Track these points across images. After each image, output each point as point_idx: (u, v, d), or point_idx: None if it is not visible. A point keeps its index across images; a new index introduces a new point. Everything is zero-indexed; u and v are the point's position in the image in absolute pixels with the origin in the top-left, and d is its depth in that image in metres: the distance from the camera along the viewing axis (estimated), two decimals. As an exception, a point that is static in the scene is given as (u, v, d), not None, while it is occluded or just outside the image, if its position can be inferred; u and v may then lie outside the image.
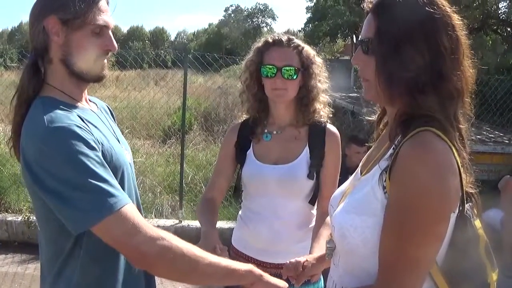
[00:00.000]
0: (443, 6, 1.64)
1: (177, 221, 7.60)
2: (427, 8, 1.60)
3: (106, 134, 1.99)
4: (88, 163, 1.73)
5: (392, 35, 1.61)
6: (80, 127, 1.79)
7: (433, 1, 1.62)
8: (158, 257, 1.77)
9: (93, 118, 2.00)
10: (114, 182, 1.79)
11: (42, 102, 1.89)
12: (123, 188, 1.93)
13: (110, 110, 2.32)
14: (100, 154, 1.81)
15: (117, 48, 2.03)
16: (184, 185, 8.17)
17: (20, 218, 7.46)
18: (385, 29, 1.64)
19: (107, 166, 1.81)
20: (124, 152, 2.07)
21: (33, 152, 1.77)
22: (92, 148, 1.77)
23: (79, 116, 1.87)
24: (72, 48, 1.92)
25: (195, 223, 7.35)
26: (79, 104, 2.01)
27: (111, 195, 1.73)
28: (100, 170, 1.75)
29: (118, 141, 2.09)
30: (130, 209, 1.76)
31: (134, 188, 2.15)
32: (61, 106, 1.87)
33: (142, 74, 17.81)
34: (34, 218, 7.20)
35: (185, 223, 7.53)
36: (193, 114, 14.19)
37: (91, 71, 1.98)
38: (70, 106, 1.92)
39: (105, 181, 1.74)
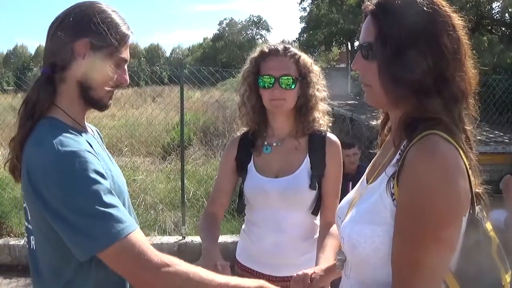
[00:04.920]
0: (443, 6, 1.61)
1: (180, 238, 7.55)
2: (426, 9, 1.57)
3: (107, 161, 2.00)
4: (98, 189, 1.73)
5: (393, 38, 1.58)
6: (90, 153, 1.80)
7: (432, 2, 1.59)
8: (165, 286, 1.77)
9: (96, 144, 2.01)
10: (122, 208, 1.79)
11: (49, 123, 1.89)
12: None
13: (99, 135, 2.32)
14: (107, 181, 1.81)
15: (128, 82, 2.07)
16: (186, 200, 8.12)
17: (22, 242, 7.34)
18: (386, 32, 1.60)
19: (114, 193, 1.80)
20: (123, 180, 2.09)
21: (41, 174, 1.75)
22: (101, 174, 1.77)
23: (87, 141, 1.89)
24: (93, 74, 1.93)
25: (199, 239, 7.21)
26: (82, 128, 2.02)
27: (119, 220, 1.73)
28: (108, 197, 1.75)
29: (116, 167, 2.10)
30: (137, 236, 1.76)
31: (133, 214, 2.13)
32: (68, 130, 1.87)
33: (139, 92, 17.84)
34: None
35: (188, 239, 7.48)
36: (192, 129, 14.19)
37: (102, 99, 2.01)
38: (75, 130, 1.93)
39: (113, 207, 1.74)
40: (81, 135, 1.92)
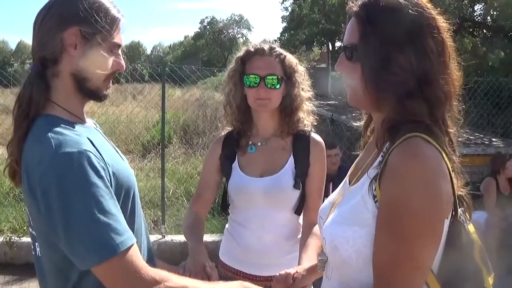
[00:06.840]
0: (428, 8, 1.61)
1: (160, 236, 7.50)
2: (411, 11, 1.57)
3: (113, 154, 1.91)
4: (97, 194, 1.64)
5: (377, 40, 1.58)
6: (91, 152, 1.70)
7: (417, 4, 1.59)
8: None
9: (99, 138, 1.92)
10: (121, 217, 1.70)
11: (46, 122, 1.79)
12: (134, 209, 1.89)
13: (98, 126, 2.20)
14: (108, 182, 1.72)
15: (124, 67, 1.97)
16: (165, 199, 8.08)
17: (1, 239, 7.15)
18: (370, 33, 1.60)
19: (114, 196, 1.72)
20: (131, 171, 2.00)
21: (38, 178, 1.66)
22: (101, 177, 1.68)
23: (88, 139, 1.78)
24: (87, 64, 1.84)
25: (179, 238, 7.29)
26: (83, 122, 1.94)
27: (117, 233, 1.64)
28: (108, 203, 1.66)
29: (122, 159, 2.01)
30: (132, 252, 1.67)
31: (140, 208, 2.08)
32: (67, 127, 1.78)
33: (119, 89, 17.73)
34: (16, 238, 7.06)
35: (168, 238, 7.43)
36: (172, 127, 14.13)
37: (99, 89, 1.92)
38: (76, 125, 1.84)
39: (112, 215, 1.66)
40: (82, 131, 1.81)
